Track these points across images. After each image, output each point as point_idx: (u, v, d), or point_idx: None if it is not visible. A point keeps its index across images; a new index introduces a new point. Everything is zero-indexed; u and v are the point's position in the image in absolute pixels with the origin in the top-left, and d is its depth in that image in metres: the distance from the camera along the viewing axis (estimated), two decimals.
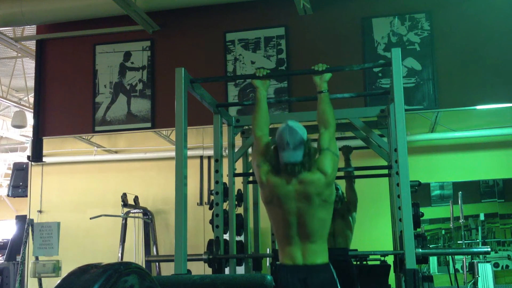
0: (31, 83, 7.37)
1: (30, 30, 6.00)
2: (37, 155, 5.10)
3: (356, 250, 3.81)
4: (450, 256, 5.65)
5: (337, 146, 2.75)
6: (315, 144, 2.74)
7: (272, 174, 2.66)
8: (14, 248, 7.88)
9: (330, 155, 2.67)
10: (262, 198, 2.76)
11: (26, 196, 8.27)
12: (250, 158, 4.27)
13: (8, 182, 8.88)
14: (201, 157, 7.84)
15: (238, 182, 4.01)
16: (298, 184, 2.60)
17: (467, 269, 5.78)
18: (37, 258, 5.89)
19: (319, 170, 2.60)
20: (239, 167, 4.02)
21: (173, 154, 3.04)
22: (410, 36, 4.44)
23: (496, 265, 6.86)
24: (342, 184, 4.92)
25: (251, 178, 4.21)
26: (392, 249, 4.00)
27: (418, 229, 3.67)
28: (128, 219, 7.56)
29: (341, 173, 4.74)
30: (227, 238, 3.76)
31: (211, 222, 3.68)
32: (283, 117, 4.42)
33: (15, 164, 8.43)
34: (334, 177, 2.67)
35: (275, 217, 2.70)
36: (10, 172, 9.16)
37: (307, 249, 2.63)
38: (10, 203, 12.33)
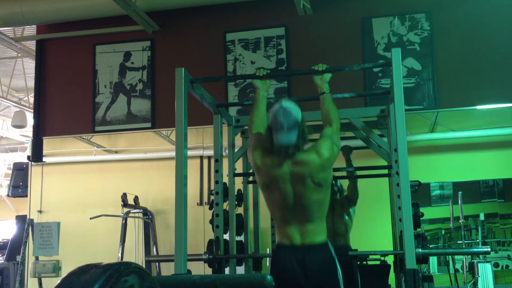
0: (31, 83, 7.37)
1: (30, 30, 6.00)
2: (37, 155, 5.10)
3: (356, 250, 3.82)
4: (450, 256, 5.65)
5: (339, 140, 2.75)
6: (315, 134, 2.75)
7: (266, 157, 2.65)
8: (14, 248, 7.88)
9: (329, 142, 2.67)
10: (259, 183, 2.75)
11: (26, 196, 8.27)
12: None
13: (8, 182, 8.88)
14: (201, 157, 7.84)
15: (238, 182, 4.01)
16: (292, 165, 2.59)
17: (467, 269, 5.79)
18: (37, 258, 5.89)
19: (315, 151, 2.60)
20: (239, 167, 4.01)
21: (173, 154, 3.04)
22: (410, 36, 4.44)
23: (496, 265, 6.86)
24: (345, 184, 4.93)
25: (251, 178, 4.21)
26: (392, 249, 4.00)
27: (418, 229, 3.67)
28: (128, 219, 7.56)
29: (343, 173, 4.76)
30: (227, 238, 3.76)
31: (211, 222, 3.68)
32: None
33: (15, 164, 8.42)
34: (331, 163, 2.65)
35: (272, 200, 2.69)
36: (10, 172, 9.16)
37: (305, 229, 2.62)
38: (10, 203, 12.33)
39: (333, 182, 4.63)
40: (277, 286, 2.61)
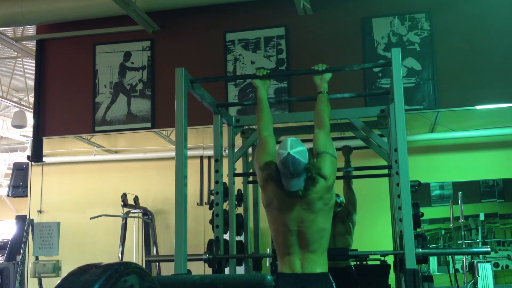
0: (31, 83, 7.37)
1: (30, 30, 6.00)
2: (37, 155, 5.10)
3: (356, 250, 3.82)
4: (450, 256, 5.66)
5: (334, 146, 2.71)
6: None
7: (273, 182, 2.60)
8: (14, 248, 7.89)
9: (328, 158, 2.63)
10: (263, 201, 2.73)
11: (26, 196, 8.28)
12: (250, 158, 4.28)
13: (8, 182, 8.88)
14: (201, 157, 7.84)
15: (238, 182, 4.01)
16: (301, 197, 2.54)
17: (467, 269, 5.79)
18: (37, 258, 5.89)
19: (319, 175, 2.54)
20: (239, 167, 4.01)
21: (173, 154, 3.05)
22: (410, 36, 4.44)
23: (496, 265, 6.87)
24: (340, 186, 4.91)
25: (251, 178, 4.21)
26: (392, 249, 4.00)
27: (418, 229, 3.67)
28: (128, 219, 7.56)
29: (340, 173, 4.75)
30: (227, 238, 3.76)
31: (211, 222, 3.68)
32: (283, 117, 4.42)
33: (15, 164, 8.43)
34: (334, 180, 2.63)
35: (275, 222, 2.67)
36: (10, 172, 9.17)
37: (306, 258, 2.60)
38: (10, 203, 12.33)
39: (336, 196, 4.60)
40: None
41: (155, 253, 7.54)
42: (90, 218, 6.72)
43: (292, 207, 2.58)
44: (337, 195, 4.67)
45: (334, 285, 2.61)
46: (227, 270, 3.71)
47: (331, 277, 2.63)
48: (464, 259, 5.89)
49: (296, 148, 2.44)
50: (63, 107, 5.08)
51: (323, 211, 2.59)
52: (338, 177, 4.74)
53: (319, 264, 2.61)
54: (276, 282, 2.65)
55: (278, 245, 2.69)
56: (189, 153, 5.28)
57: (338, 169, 4.54)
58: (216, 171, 3.70)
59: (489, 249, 3.42)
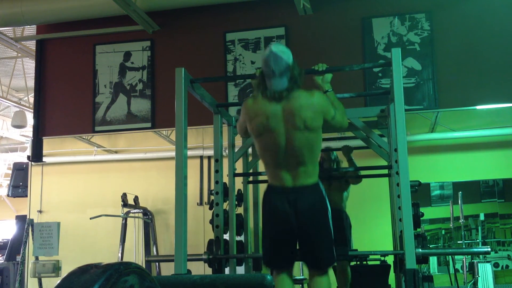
0: (31, 83, 7.37)
1: (30, 30, 6.00)
2: (37, 155, 5.10)
3: (356, 250, 3.82)
4: (450, 256, 5.66)
5: (336, 115, 2.78)
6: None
7: (260, 102, 2.69)
8: (14, 248, 7.88)
9: (328, 100, 2.76)
10: (253, 133, 2.76)
11: (26, 196, 8.27)
12: (250, 158, 4.28)
13: (8, 182, 8.88)
14: (201, 157, 7.84)
15: (238, 182, 4.01)
16: (285, 102, 2.63)
17: (467, 269, 5.79)
18: (37, 258, 5.89)
19: (309, 92, 2.67)
20: (239, 167, 4.02)
21: (173, 154, 3.05)
22: (410, 36, 4.44)
23: (496, 265, 6.87)
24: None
25: (251, 178, 4.22)
26: (392, 249, 4.00)
27: (418, 229, 3.67)
28: (128, 219, 7.56)
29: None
30: (227, 238, 3.76)
31: (211, 222, 3.68)
32: None
33: (15, 164, 8.42)
34: (321, 110, 2.68)
35: (265, 146, 2.72)
36: (10, 172, 9.16)
37: (297, 172, 2.66)
38: (10, 203, 12.32)
39: (330, 152, 4.59)
40: (269, 228, 2.69)
41: (155, 253, 7.54)
42: (90, 218, 6.71)
43: (280, 122, 2.63)
44: (330, 151, 4.65)
45: (324, 192, 2.69)
46: (227, 270, 3.71)
47: (321, 185, 2.68)
48: (464, 259, 5.89)
49: (279, 48, 2.62)
50: (63, 107, 5.08)
51: (308, 131, 2.64)
52: (340, 177, 4.76)
53: (310, 175, 2.67)
54: (267, 195, 2.72)
55: (268, 165, 2.74)
56: (189, 153, 5.28)
57: (343, 169, 4.57)
58: (216, 171, 3.70)
59: (489, 249, 3.42)
